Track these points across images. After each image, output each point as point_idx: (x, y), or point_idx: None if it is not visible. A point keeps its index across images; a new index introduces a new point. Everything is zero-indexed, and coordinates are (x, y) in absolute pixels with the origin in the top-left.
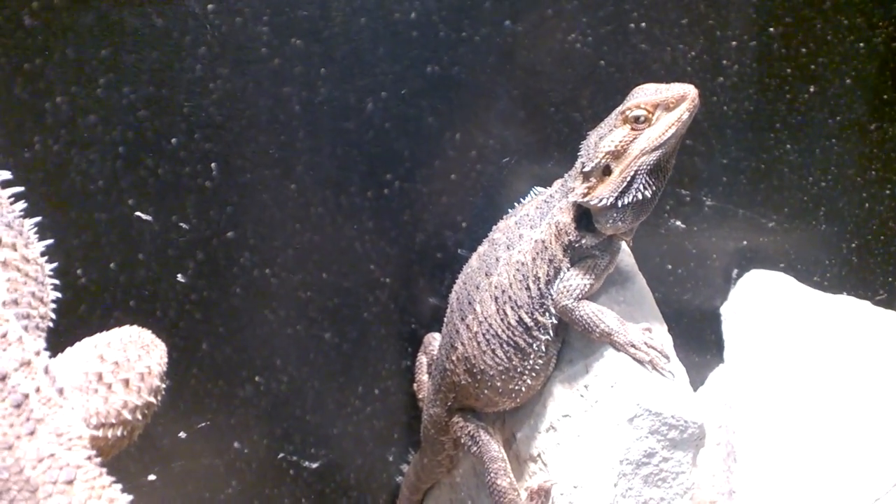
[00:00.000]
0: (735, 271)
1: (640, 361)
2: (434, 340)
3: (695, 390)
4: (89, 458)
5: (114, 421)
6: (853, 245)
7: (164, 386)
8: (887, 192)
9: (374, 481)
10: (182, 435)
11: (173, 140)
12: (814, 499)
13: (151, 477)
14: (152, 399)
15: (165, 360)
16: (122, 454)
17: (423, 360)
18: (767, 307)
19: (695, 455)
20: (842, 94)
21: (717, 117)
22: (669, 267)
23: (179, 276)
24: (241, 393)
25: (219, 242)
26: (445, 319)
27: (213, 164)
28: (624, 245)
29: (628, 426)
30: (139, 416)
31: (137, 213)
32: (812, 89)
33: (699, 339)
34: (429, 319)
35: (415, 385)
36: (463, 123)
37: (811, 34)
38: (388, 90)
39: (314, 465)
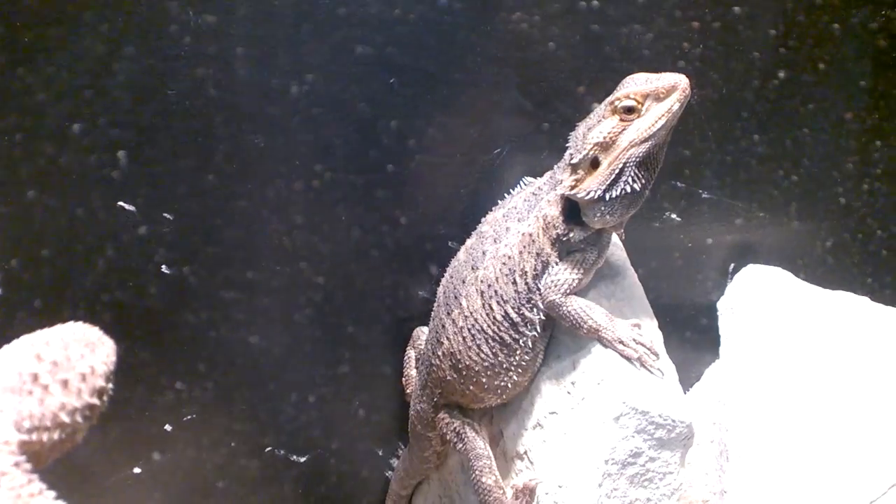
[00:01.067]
0: (732, 266)
1: (628, 358)
2: (422, 334)
3: (690, 386)
4: (16, 464)
5: (49, 424)
6: (828, 243)
7: (110, 386)
8: (865, 186)
9: (364, 475)
10: (168, 428)
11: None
12: (807, 501)
13: (137, 469)
14: (95, 400)
15: (113, 358)
16: (107, 446)
17: (411, 354)
18: (764, 303)
19: (683, 455)
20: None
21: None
22: (665, 261)
23: (164, 267)
24: (227, 386)
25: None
26: (432, 314)
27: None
28: (616, 239)
29: (614, 425)
30: (79, 419)
31: (120, 203)
32: (782, 75)
33: (695, 335)
34: (419, 313)
35: (403, 379)
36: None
37: (781, 14)
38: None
39: (302, 459)
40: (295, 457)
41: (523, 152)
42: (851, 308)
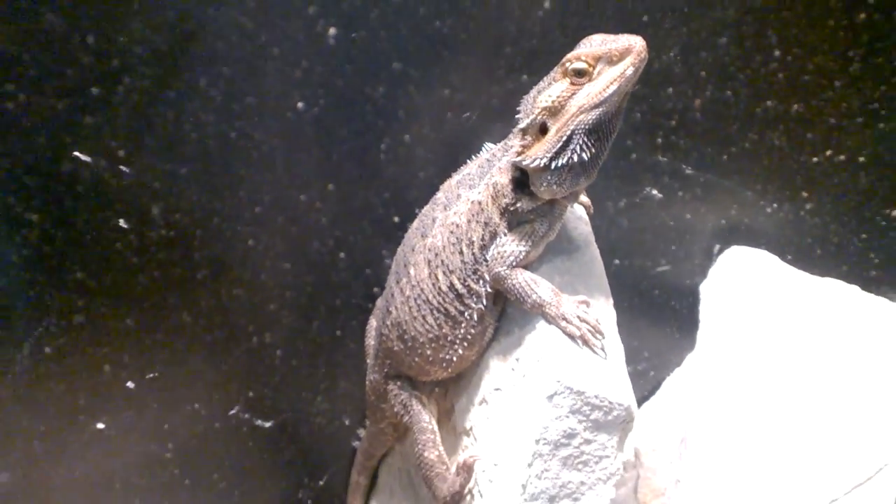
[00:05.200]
0: (717, 247)
1: (570, 336)
2: None
3: (670, 372)
4: None
5: None
6: (820, 227)
7: None
8: (862, 170)
9: (330, 443)
10: (130, 385)
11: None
12: (763, 496)
13: (100, 425)
14: None
15: None
16: (71, 401)
17: (373, 322)
18: (747, 287)
19: (621, 439)
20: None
21: (700, 71)
22: (645, 239)
23: (122, 221)
24: (191, 347)
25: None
26: (387, 281)
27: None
28: (581, 211)
29: (547, 404)
30: None
31: (76, 154)
32: (777, 50)
33: (678, 319)
34: (385, 281)
35: (365, 349)
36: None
37: None
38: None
39: (268, 425)
40: (260, 421)
41: (494, 117)
42: (840, 296)
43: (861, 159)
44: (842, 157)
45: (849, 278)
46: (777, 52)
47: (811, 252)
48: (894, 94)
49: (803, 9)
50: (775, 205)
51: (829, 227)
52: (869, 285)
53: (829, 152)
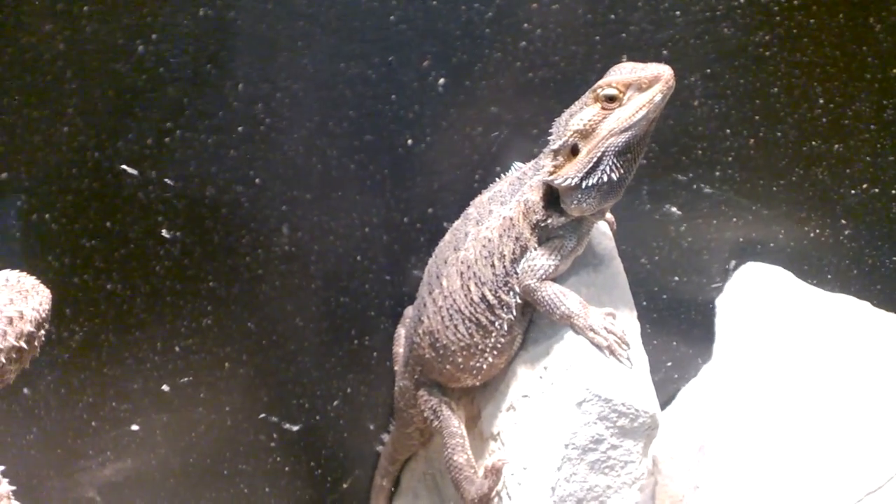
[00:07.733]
0: (732, 263)
1: (597, 346)
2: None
3: (687, 382)
4: None
5: None
6: (832, 245)
7: (41, 333)
8: (875, 189)
9: (354, 449)
10: (165, 388)
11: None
12: (778, 503)
13: (134, 427)
14: (21, 344)
15: (47, 307)
16: (107, 402)
17: (400, 332)
18: (762, 302)
19: (646, 445)
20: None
21: (719, 96)
22: (664, 255)
23: (164, 231)
24: (224, 354)
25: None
26: (418, 292)
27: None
28: (605, 227)
29: (577, 410)
30: (2, 360)
31: (123, 167)
32: (791, 72)
33: (695, 331)
34: (414, 292)
35: (393, 356)
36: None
37: (791, 13)
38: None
39: (295, 428)
40: (288, 425)
41: (522, 136)
42: (851, 312)
43: (893, 192)
44: (876, 190)
45: (881, 297)
46: (821, 101)
47: (848, 272)
48: None
49: (844, 65)
50: (790, 223)
51: (864, 251)
52: (881, 302)
53: (865, 185)
